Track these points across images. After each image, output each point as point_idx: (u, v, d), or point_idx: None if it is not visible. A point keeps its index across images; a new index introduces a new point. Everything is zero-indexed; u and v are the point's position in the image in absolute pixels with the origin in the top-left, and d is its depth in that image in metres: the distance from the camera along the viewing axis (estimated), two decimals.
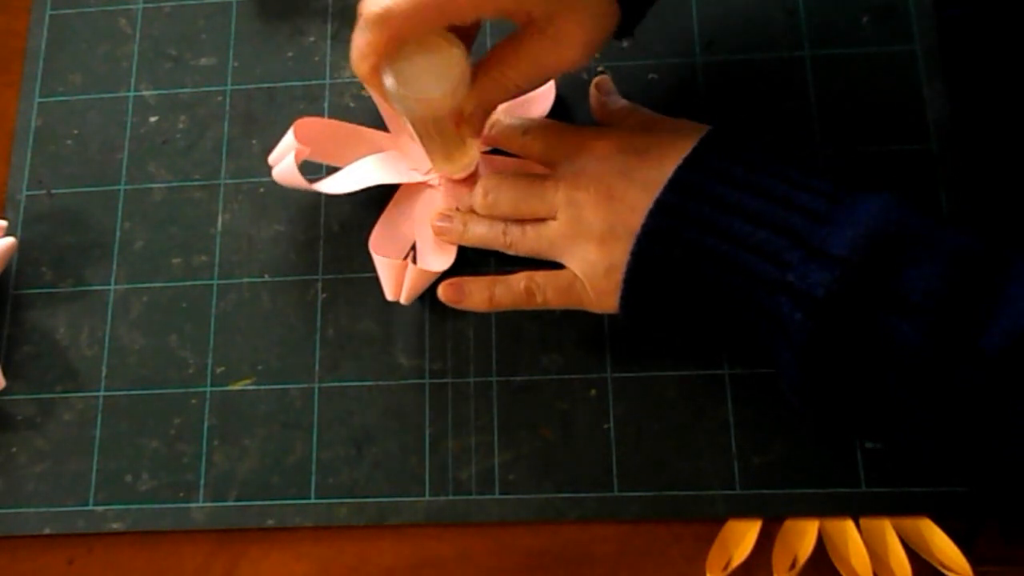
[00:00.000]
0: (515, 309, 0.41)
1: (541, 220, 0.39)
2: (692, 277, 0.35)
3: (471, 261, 0.44)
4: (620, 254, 0.36)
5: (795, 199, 0.34)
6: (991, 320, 0.31)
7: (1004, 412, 0.31)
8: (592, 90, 0.43)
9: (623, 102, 0.43)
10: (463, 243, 0.43)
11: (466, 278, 0.41)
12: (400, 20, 0.32)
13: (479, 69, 0.36)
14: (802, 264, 0.33)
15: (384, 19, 0.32)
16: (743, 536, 0.40)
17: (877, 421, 0.35)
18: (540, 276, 0.39)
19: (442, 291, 0.41)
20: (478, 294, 0.41)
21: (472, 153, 0.42)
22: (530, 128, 0.41)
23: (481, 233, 0.41)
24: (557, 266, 0.39)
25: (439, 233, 0.43)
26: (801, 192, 0.34)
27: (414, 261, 0.43)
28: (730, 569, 0.39)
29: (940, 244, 0.32)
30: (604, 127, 0.41)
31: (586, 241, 0.37)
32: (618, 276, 0.37)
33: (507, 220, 0.40)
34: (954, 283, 0.31)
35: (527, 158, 0.41)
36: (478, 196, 0.41)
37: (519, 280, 0.40)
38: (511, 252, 0.41)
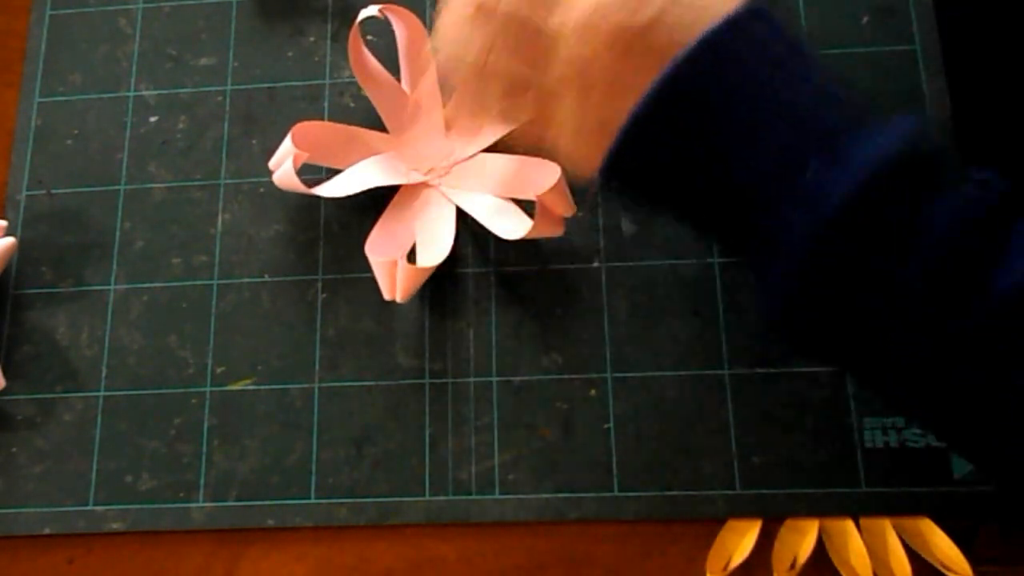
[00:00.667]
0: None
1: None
2: (694, 152, 0.31)
3: (471, 261, 0.44)
4: (622, 109, 0.31)
5: (832, 94, 0.31)
6: (1001, 266, 0.28)
7: (999, 363, 0.29)
8: None
9: None
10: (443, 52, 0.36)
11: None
12: None
13: None
14: (823, 168, 0.29)
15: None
16: (743, 536, 0.40)
17: (863, 359, 0.32)
18: (517, 109, 0.34)
19: None
20: None
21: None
22: None
23: (453, 41, 0.34)
24: None
25: None
26: (840, 89, 0.31)
27: (411, 261, 0.43)
28: (730, 569, 0.39)
29: (961, 181, 0.30)
30: None
31: (583, 89, 0.32)
32: (611, 127, 0.31)
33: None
34: (973, 222, 0.29)
35: None
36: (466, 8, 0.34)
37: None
38: (480, 81, 0.34)
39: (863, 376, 0.35)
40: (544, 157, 0.36)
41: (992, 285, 0.28)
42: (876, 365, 0.32)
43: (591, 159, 0.32)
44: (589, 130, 0.32)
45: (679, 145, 0.31)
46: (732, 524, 0.40)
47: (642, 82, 0.31)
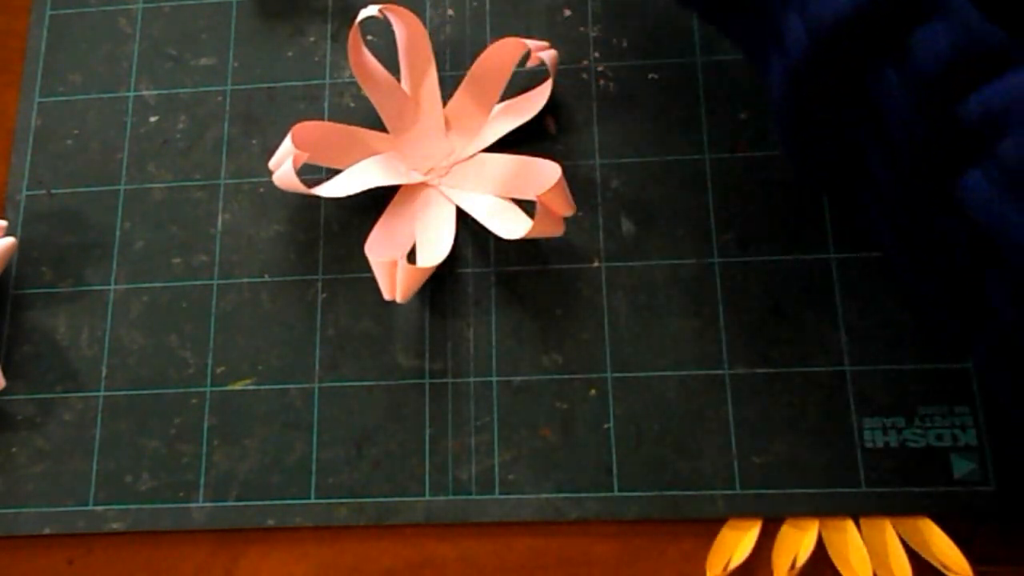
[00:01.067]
0: None
1: None
2: None
3: (471, 261, 0.44)
4: None
5: None
6: (979, 90, 0.28)
7: (965, 185, 0.29)
8: None
9: None
10: None
11: None
12: None
13: None
14: None
15: None
16: (743, 536, 0.40)
17: (849, 185, 0.33)
18: None
19: None
20: None
21: None
22: None
23: None
24: None
25: None
26: None
27: (412, 261, 0.43)
28: (730, 569, 0.39)
29: (962, 12, 0.30)
30: None
31: None
32: None
33: None
34: (962, 53, 0.29)
35: None
36: None
37: None
38: None
39: (847, 200, 0.35)
40: None
41: (966, 102, 0.28)
42: (859, 186, 0.33)
43: None
44: None
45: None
46: (732, 524, 0.40)
47: None
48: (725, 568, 0.39)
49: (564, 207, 0.42)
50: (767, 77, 0.34)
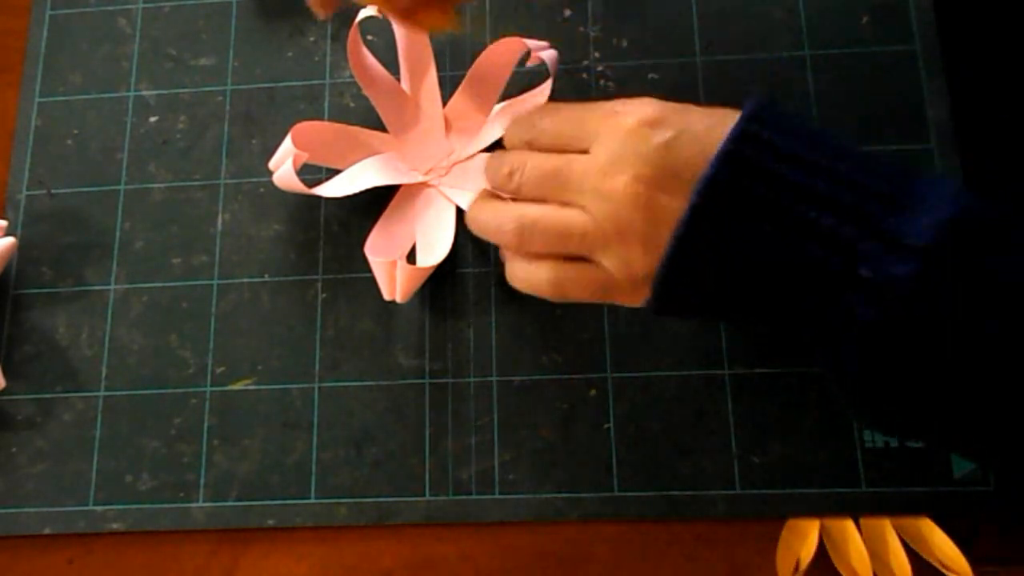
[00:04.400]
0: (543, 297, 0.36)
1: (563, 204, 0.34)
2: (741, 268, 0.31)
3: (471, 261, 0.44)
4: (662, 248, 0.31)
5: (863, 180, 0.30)
6: None
7: None
8: None
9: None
10: (476, 232, 0.38)
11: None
12: None
13: None
14: (878, 256, 0.29)
15: None
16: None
17: (954, 424, 0.32)
18: (572, 270, 0.34)
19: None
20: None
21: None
22: (536, 122, 0.36)
23: (486, 222, 0.37)
24: None
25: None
26: (865, 173, 0.30)
27: (412, 261, 0.43)
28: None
29: (1019, 230, 0.29)
30: (626, 99, 0.34)
31: (621, 234, 0.32)
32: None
33: (525, 205, 0.35)
34: None
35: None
36: (501, 175, 0.36)
37: (543, 272, 0.35)
38: (518, 248, 0.36)
39: (952, 441, 0.35)
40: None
41: None
42: (969, 429, 0.32)
43: (640, 269, 0.33)
44: (642, 273, 0.32)
45: (723, 263, 0.31)
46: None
47: (676, 211, 0.31)
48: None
49: None
50: (833, 365, 0.32)
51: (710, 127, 0.31)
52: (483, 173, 0.38)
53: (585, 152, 0.34)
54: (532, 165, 0.35)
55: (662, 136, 0.32)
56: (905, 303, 0.29)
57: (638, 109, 0.33)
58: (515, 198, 0.36)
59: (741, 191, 0.30)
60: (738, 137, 0.30)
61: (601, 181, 0.32)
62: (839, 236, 0.29)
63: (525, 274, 0.36)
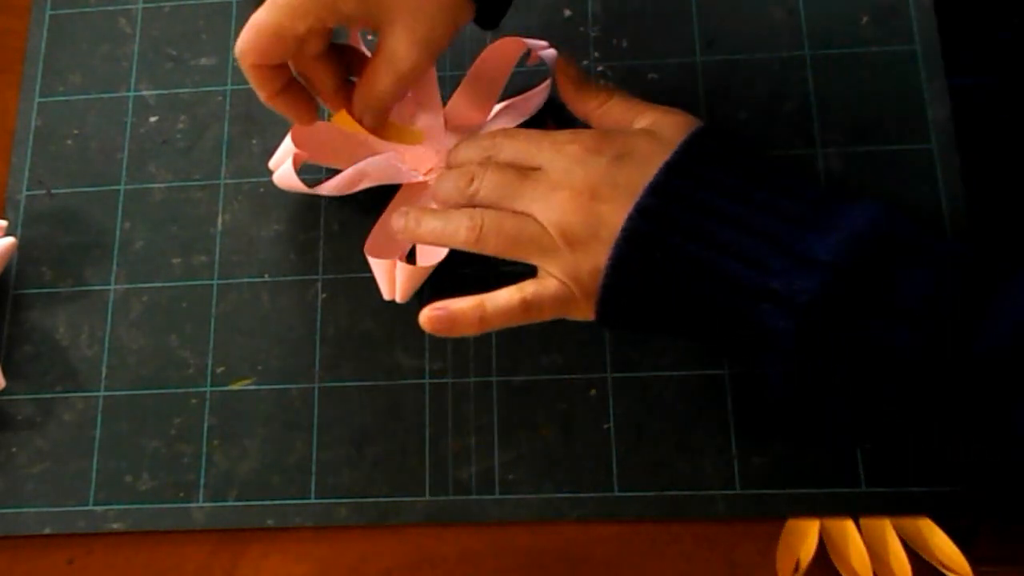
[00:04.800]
0: (507, 327, 0.38)
1: (516, 213, 0.37)
2: (673, 284, 0.35)
3: (471, 261, 0.44)
4: (605, 258, 0.35)
5: (779, 205, 0.34)
6: (982, 324, 0.31)
7: (998, 415, 0.31)
8: (560, 78, 0.41)
9: (598, 84, 0.41)
10: (418, 241, 0.41)
11: (451, 301, 0.37)
12: (252, 56, 0.36)
13: (358, 80, 0.39)
14: (787, 271, 0.32)
15: (242, 57, 0.36)
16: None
17: (870, 426, 0.35)
18: (531, 285, 0.37)
19: (427, 321, 0.37)
20: (467, 318, 0.37)
21: (413, 131, 0.42)
22: (495, 142, 0.39)
23: (436, 227, 0.38)
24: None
25: (397, 230, 0.40)
26: (785, 198, 0.34)
27: (411, 260, 0.43)
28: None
29: (929, 250, 0.32)
30: (577, 129, 0.39)
31: (568, 243, 0.36)
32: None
33: (479, 208, 0.38)
34: (947, 288, 0.31)
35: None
36: (458, 183, 0.38)
37: (512, 294, 0.37)
38: (474, 248, 0.37)
39: (874, 438, 0.39)
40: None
41: (979, 340, 0.30)
42: (883, 428, 0.35)
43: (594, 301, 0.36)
44: (588, 281, 0.36)
45: (657, 281, 0.35)
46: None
47: (614, 220, 0.35)
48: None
49: None
50: (760, 372, 0.35)
51: (649, 154, 0.36)
52: (434, 185, 0.40)
53: (537, 169, 0.37)
54: (492, 173, 0.38)
55: (603, 160, 0.36)
56: (810, 313, 0.32)
57: (580, 138, 0.37)
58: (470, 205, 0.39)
59: (669, 217, 0.34)
60: (670, 168, 0.35)
61: (550, 192, 0.36)
62: (754, 253, 0.33)
63: (495, 305, 0.37)
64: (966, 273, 0.32)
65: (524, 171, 0.38)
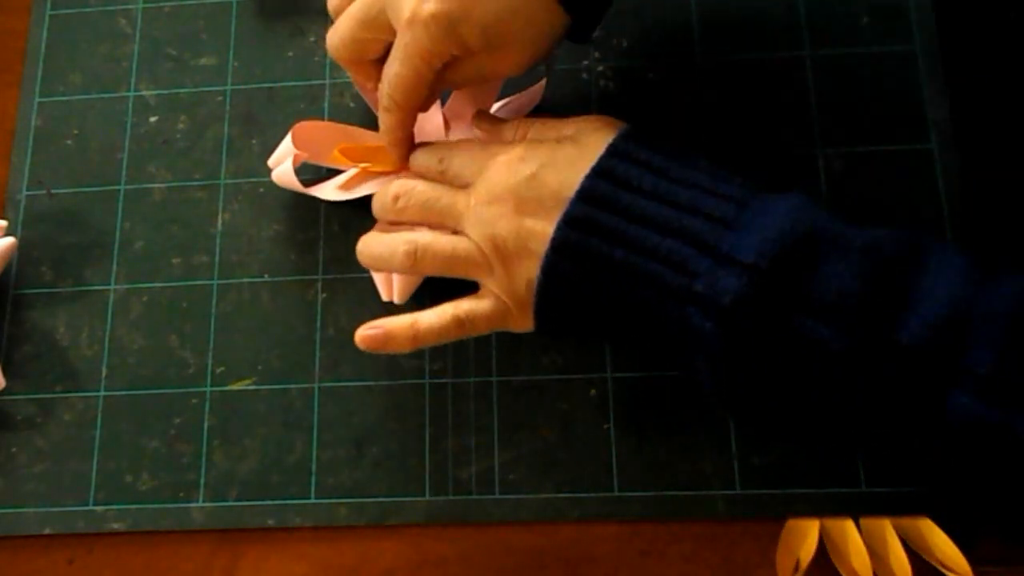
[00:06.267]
0: (441, 343, 0.39)
1: (452, 232, 0.38)
2: (604, 290, 0.35)
3: None
4: (536, 270, 0.35)
5: (702, 205, 0.34)
6: (907, 313, 0.30)
7: (925, 404, 0.31)
8: (475, 128, 0.42)
9: (511, 121, 0.41)
10: (368, 267, 0.42)
11: (385, 320, 0.38)
12: (401, 98, 0.38)
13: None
14: (710, 272, 0.32)
15: (391, 103, 0.39)
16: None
17: (801, 421, 0.35)
18: (466, 303, 0.38)
19: (361, 340, 0.38)
20: (401, 335, 0.38)
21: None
22: (445, 153, 0.40)
23: (377, 253, 0.39)
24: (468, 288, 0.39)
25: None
26: (709, 197, 0.34)
27: None
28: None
29: (850, 242, 0.32)
30: (505, 144, 0.39)
31: (501, 258, 0.36)
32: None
33: (413, 229, 0.39)
34: (867, 280, 0.31)
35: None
36: (387, 199, 0.39)
37: (445, 311, 0.38)
38: (413, 272, 0.39)
39: (806, 435, 0.38)
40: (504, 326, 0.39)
41: (903, 329, 0.30)
42: (814, 424, 0.35)
43: (531, 311, 0.37)
44: (524, 293, 0.36)
45: (588, 286, 0.35)
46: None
47: (543, 233, 0.35)
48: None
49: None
50: (692, 371, 0.35)
51: (573, 159, 0.36)
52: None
53: (467, 186, 0.38)
54: (419, 191, 0.39)
55: (528, 169, 0.36)
56: (731, 314, 0.32)
57: (510, 149, 0.38)
58: (398, 223, 0.40)
59: (595, 223, 0.34)
60: (594, 173, 0.35)
61: (480, 210, 0.37)
62: (678, 255, 0.33)
63: (427, 322, 0.38)
64: (887, 263, 0.31)
65: (454, 188, 0.38)
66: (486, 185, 0.37)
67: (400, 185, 0.39)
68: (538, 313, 0.37)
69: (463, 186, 0.38)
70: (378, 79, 0.39)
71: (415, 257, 0.38)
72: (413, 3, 0.36)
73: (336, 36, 0.40)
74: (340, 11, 0.40)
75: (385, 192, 0.40)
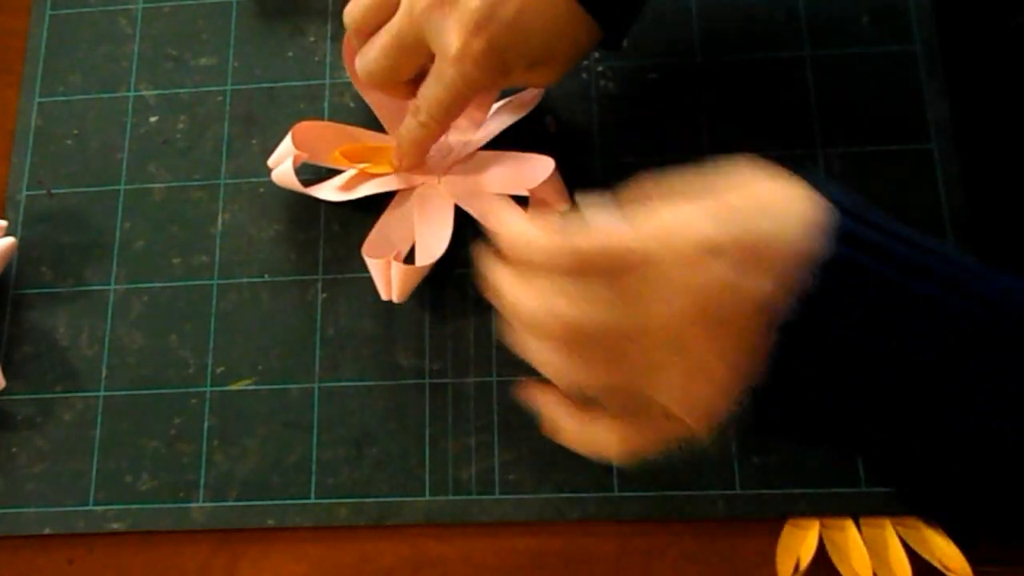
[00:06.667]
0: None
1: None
2: (862, 353, 0.27)
3: (471, 261, 0.44)
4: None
5: (938, 249, 0.29)
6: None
7: (935, 417, 0.28)
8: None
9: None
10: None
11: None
12: (444, 118, 0.40)
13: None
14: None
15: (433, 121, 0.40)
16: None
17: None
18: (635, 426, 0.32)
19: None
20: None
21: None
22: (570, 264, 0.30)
23: (529, 303, 0.31)
24: None
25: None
26: (935, 244, 0.29)
27: (411, 261, 0.43)
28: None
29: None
30: (679, 205, 0.30)
31: (705, 382, 0.29)
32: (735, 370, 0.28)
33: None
34: None
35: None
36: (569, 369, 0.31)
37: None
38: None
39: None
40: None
41: None
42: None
43: (716, 408, 0.29)
44: (706, 381, 0.29)
45: (836, 375, 0.27)
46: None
47: (753, 302, 0.27)
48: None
49: (557, 200, 0.42)
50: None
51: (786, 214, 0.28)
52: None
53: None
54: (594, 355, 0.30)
55: (722, 263, 0.27)
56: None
57: (694, 231, 0.28)
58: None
59: (844, 298, 0.27)
60: (843, 241, 0.28)
61: (675, 374, 0.29)
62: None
63: (585, 436, 0.32)
64: None
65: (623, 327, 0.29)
66: (667, 294, 0.28)
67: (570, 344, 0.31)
68: (760, 406, 0.28)
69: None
70: (408, 97, 0.40)
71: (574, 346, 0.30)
72: (461, 39, 0.35)
73: (371, 63, 0.39)
74: (359, 25, 0.40)
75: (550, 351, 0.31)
